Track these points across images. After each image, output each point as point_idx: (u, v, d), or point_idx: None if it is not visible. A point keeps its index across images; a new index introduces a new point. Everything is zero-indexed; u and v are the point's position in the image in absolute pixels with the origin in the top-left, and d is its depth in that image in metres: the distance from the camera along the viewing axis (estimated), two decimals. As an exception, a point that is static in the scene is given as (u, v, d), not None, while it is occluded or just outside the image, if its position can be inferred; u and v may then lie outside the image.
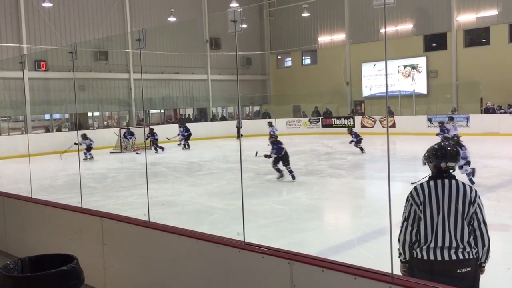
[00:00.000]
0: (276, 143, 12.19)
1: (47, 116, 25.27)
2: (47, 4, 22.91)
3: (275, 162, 12.04)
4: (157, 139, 20.02)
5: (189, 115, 29.98)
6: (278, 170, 11.99)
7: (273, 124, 18.93)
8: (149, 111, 28.56)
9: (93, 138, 18.52)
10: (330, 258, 3.30)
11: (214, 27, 28.80)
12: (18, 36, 22.80)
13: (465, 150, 10.00)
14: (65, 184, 12.79)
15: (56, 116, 25.74)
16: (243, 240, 3.51)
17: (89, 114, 26.51)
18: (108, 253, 4.64)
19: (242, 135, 21.32)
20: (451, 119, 16.02)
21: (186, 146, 20.99)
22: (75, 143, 16.78)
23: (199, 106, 30.45)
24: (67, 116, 25.67)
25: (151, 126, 21.86)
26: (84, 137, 17.72)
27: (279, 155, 11.97)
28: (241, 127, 23.53)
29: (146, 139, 19.53)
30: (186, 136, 21.29)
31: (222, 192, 10.84)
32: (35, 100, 23.18)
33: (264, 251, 3.33)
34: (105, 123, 27.48)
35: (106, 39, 25.26)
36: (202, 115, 30.32)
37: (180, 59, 28.21)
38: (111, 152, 20.70)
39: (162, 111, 29.55)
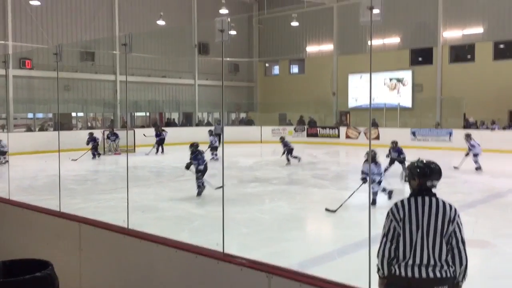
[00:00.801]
0: (200, 154, 11.14)
1: (30, 115, 24.94)
2: (35, 2, 22.67)
3: (200, 176, 10.96)
4: (97, 144, 19.33)
5: (173, 119, 29.85)
6: (202, 185, 10.92)
7: (214, 133, 18.77)
8: (134, 113, 28.37)
9: (76, 139, 18.31)
10: (310, 270, 3.30)
11: (203, 32, 28.79)
12: (4, 33, 22.51)
13: (379, 166, 10.11)
14: (46, 185, 12.60)
15: (39, 115, 25.42)
16: (222, 251, 3.48)
17: (73, 114, 26.24)
18: (85, 259, 4.56)
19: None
20: (468, 136, 14.98)
21: (160, 151, 20.71)
22: None
23: (185, 110, 30.34)
24: (50, 115, 25.37)
25: (90, 131, 20.47)
26: None
27: (202, 169, 10.93)
28: (221, 133, 23.29)
29: (88, 143, 18.87)
30: (158, 140, 20.86)
31: (204, 198, 10.78)
32: (18, 99, 22.86)
33: (243, 263, 3.31)
34: (89, 124, 27.21)
35: (94, 40, 25.08)
36: (187, 120, 30.21)
37: (168, 63, 28.12)
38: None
39: (148, 114, 29.39)
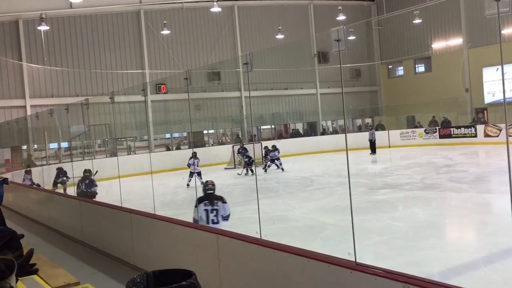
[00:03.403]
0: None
1: (167, 135, 27.14)
2: (165, 32, 24.82)
3: None
4: (68, 178, 15.56)
5: (297, 129, 30.20)
6: None
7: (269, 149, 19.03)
8: (260, 127, 29.29)
9: (207, 156, 19.30)
10: (452, 281, 3.11)
11: (322, 41, 28.84)
12: (141, 63, 24.93)
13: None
14: (184, 200, 13.56)
15: (176, 134, 27.52)
16: (354, 260, 3.44)
17: (205, 132, 27.92)
18: (224, 269, 4.82)
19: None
20: None
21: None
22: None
23: (308, 120, 30.54)
24: (185, 134, 27.33)
25: (59, 166, 17.29)
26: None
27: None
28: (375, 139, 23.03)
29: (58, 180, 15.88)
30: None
31: (334, 207, 10.71)
32: (156, 121, 25.07)
33: (377, 272, 3.22)
34: (219, 140, 28.71)
35: (219, 62, 26.55)
36: (312, 129, 30.35)
37: (289, 75, 28.61)
38: (225, 168, 21.53)
39: (273, 126, 30.13)
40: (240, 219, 10.03)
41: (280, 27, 27.46)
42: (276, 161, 18.69)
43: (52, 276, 5.43)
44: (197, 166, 15.87)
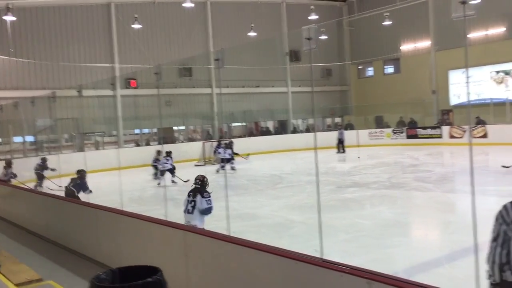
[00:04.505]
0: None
1: (137, 131, 26.78)
2: (136, 26, 24.43)
3: None
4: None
5: (267, 127, 30.29)
6: None
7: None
8: (230, 124, 29.25)
9: (177, 152, 19.15)
10: (415, 278, 3.18)
11: (293, 40, 28.99)
12: (111, 57, 24.49)
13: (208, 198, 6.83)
14: (153, 196, 13.42)
15: (145, 130, 27.18)
16: (321, 257, 3.48)
17: (175, 128, 27.69)
18: (191, 265, 4.80)
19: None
20: None
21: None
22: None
23: (279, 118, 30.67)
24: (155, 130, 27.02)
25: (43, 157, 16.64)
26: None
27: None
28: (343, 138, 23.26)
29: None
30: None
31: (303, 205, 10.80)
32: (126, 116, 24.67)
33: (343, 269, 3.27)
34: (190, 136, 28.52)
35: (190, 57, 26.35)
36: (282, 128, 30.49)
37: (260, 73, 28.63)
38: (195, 165, 21.40)
39: (244, 124, 30.13)
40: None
41: (252, 25, 27.46)
42: (227, 161, 17.72)
43: (14, 272, 5.30)
44: (166, 163, 15.66)
